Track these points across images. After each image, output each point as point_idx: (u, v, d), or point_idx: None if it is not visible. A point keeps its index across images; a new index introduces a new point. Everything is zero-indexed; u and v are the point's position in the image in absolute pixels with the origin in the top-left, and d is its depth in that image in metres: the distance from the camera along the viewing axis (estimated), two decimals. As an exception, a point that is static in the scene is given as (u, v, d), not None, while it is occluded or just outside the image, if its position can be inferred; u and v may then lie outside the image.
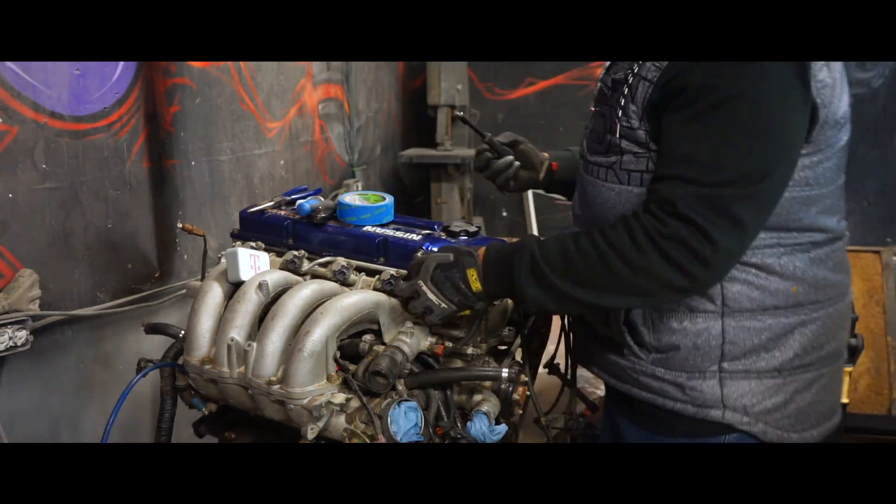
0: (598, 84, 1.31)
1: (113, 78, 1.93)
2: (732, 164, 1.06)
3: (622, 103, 1.19)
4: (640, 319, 1.25)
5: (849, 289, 1.30)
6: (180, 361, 1.42)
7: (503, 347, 1.46)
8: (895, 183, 3.96)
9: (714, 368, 1.22)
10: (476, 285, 1.23)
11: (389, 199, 1.54)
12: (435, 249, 1.37)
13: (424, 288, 1.24)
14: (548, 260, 1.16)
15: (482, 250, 1.25)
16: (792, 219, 1.17)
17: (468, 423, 1.29)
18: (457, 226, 1.48)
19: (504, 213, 4.95)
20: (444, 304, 1.24)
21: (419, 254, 1.34)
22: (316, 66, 3.17)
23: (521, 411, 1.37)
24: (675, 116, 1.11)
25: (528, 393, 1.36)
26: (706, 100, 1.07)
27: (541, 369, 1.59)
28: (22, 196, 1.67)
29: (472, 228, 1.47)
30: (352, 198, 1.54)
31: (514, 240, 1.27)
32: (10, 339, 1.58)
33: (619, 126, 1.20)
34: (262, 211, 1.62)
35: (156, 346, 1.82)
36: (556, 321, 1.57)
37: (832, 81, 1.12)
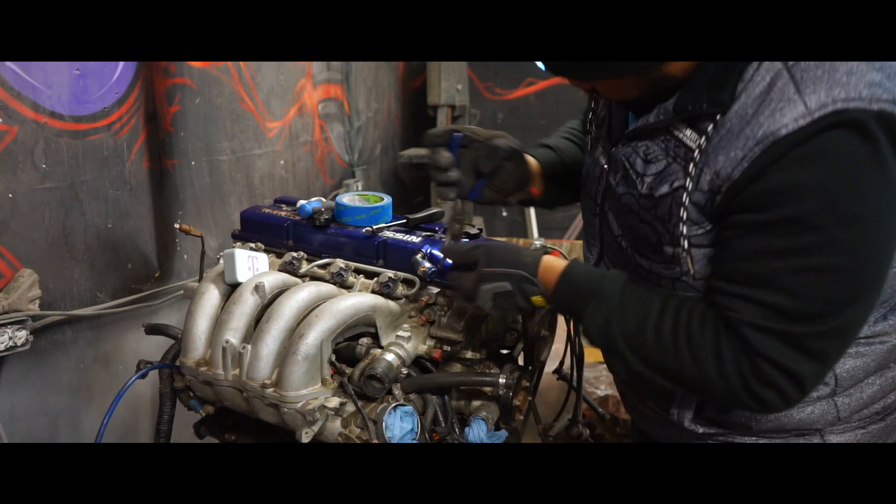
0: (620, 159, 1.09)
1: (113, 78, 1.92)
2: (816, 295, 0.93)
3: (680, 218, 1.01)
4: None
5: None
6: (178, 363, 1.42)
7: (506, 351, 1.45)
8: None
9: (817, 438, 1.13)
10: (540, 303, 1.12)
11: (387, 199, 1.54)
12: (436, 251, 1.36)
13: (487, 306, 1.14)
14: (623, 324, 1.03)
15: (550, 275, 1.10)
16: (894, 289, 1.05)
17: (466, 429, 1.28)
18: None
19: (504, 213, 4.95)
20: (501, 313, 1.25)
21: (463, 281, 1.16)
22: (316, 66, 3.16)
23: (521, 417, 1.36)
24: (745, 219, 0.95)
25: (529, 398, 1.34)
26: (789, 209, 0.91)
27: (548, 371, 1.58)
28: (22, 196, 1.67)
29: (474, 230, 1.46)
30: (350, 198, 1.54)
31: (589, 270, 1.13)
32: (10, 339, 1.58)
33: (683, 239, 1.01)
34: (262, 212, 1.62)
35: (156, 346, 1.81)
36: (560, 323, 1.56)
37: None
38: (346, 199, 1.53)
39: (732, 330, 0.97)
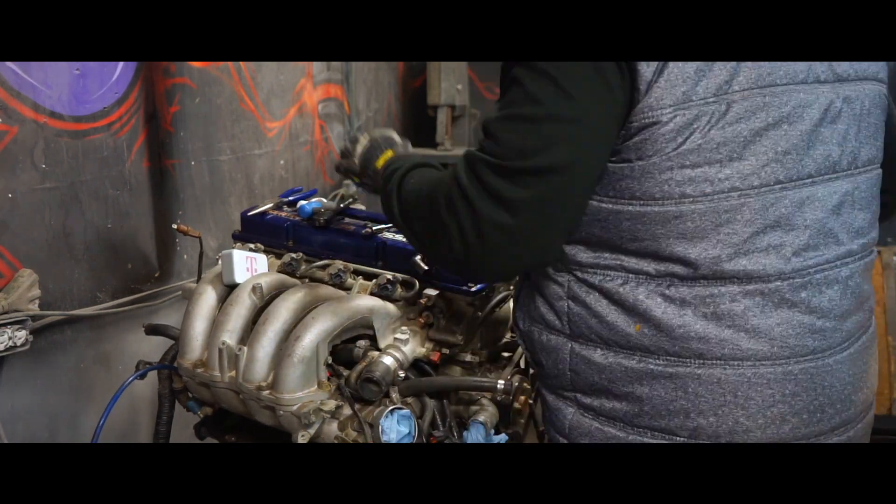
0: None
1: (113, 78, 1.92)
2: (509, 139, 0.98)
3: None
4: (520, 330, 1.17)
5: (760, 357, 0.97)
6: (176, 364, 1.42)
7: (506, 354, 1.45)
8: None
9: (570, 395, 1.08)
10: (380, 163, 1.30)
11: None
12: None
13: (361, 139, 1.38)
14: (403, 185, 1.15)
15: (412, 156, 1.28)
16: (627, 237, 0.99)
17: (465, 433, 1.27)
18: None
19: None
20: (357, 160, 1.37)
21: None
22: (316, 66, 3.16)
23: (522, 420, 1.35)
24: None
25: (530, 402, 1.34)
26: (506, 78, 1.02)
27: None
28: (22, 196, 1.67)
29: None
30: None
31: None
32: (10, 339, 1.58)
33: None
34: (263, 212, 1.61)
35: (155, 346, 1.81)
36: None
37: (658, 75, 0.93)
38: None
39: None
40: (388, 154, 1.31)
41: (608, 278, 1.01)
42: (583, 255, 1.03)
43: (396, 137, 1.38)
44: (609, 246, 1.01)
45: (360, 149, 1.37)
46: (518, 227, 0.96)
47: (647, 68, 0.93)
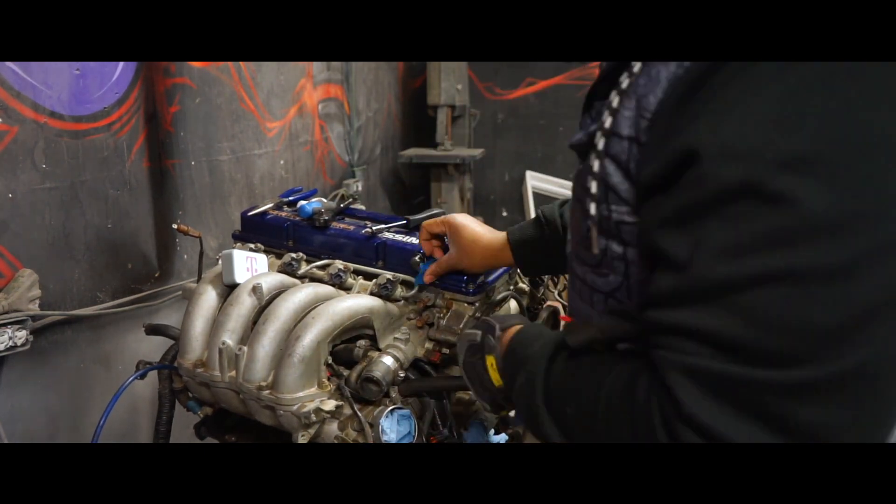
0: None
1: (113, 78, 1.92)
2: (784, 318, 0.53)
3: (594, 183, 0.70)
4: None
5: None
6: (176, 364, 1.42)
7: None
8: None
9: None
10: (496, 378, 0.87)
11: None
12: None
13: (464, 377, 0.99)
14: (548, 390, 0.76)
15: (508, 334, 0.89)
16: None
17: (465, 433, 1.27)
18: None
19: (504, 213, 4.95)
20: (479, 401, 0.97)
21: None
22: (316, 66, 3.16)
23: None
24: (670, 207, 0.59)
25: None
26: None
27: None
28: (22, 196, 1.67)
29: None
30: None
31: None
32: (10, 339, 1.58)
33: (604, 220, 0.70)
34: (263, 212, 1.61)
35: (156, 346, 1.81)
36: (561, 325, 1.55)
37: None
38: None
39: (655, 376, 0.61)
40: (491, 360, 0.88)
41: None
42: None
43: (473, 332, 0.94)
44: None
45: (471, 387, 0.95)
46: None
47: None
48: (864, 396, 0.53)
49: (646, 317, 0.62)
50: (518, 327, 0.88)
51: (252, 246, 1.55)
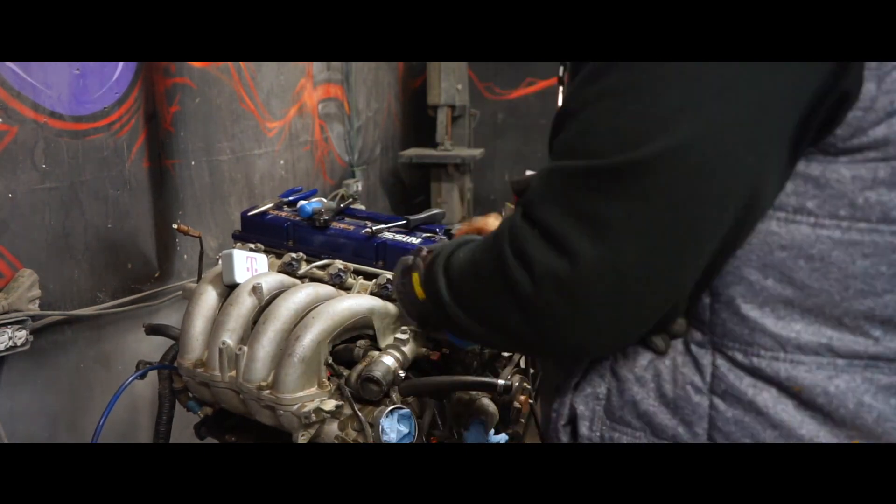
0: None
1: (113, 78, 1.92)
2: (601, 126, 0.65)
3: None
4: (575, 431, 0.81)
5: None
6: (176, 364, 1.42)
7: (507, 354, 1.45)
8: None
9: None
10: (419, 292, 0.89)
11: None
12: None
13: (398, 300, 1.02)
14: (448, 266, 0.80)
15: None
16: (852, 291, 0.64)
17: (465, 433, 1.27)
18: (458, 229, 1.46)
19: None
20: (406, 316, 1.00)
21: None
22: (316, 66, 3.16)
23: (523, 420, 1.35)
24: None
25: (530, 402, 1.34)
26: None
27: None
28: (22, 196, 1.67)
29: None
30: None
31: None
32: (10, 339, 1.58)
33: None
34: (263, 212, 1.62)
35: (156, 346, 1.81)
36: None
37: None
38: None
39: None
40: (415, 277, 0.91)
41: (802, 366, 0.65)
42: (753, 330, 0.66)
43: (405, 258, 0.97)
44: (811, 309, 0.65)
45: (400, 303, 0.99)
46: (611, 262, 0.62)
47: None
48: (646, 191, 0.61)
49: None
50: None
51: (252, 246, 1.55)
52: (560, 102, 0.76)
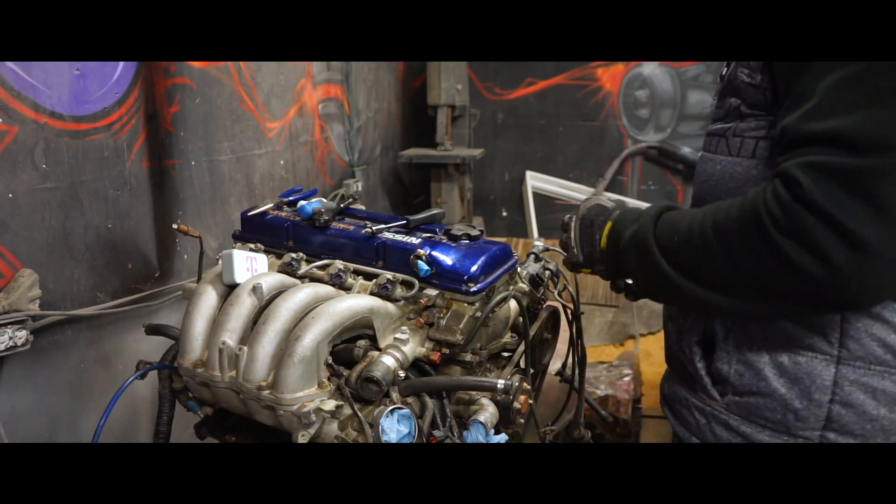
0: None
1: (113, 78, 1.92)
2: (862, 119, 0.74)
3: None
4: (722, 339, 0.95)
5: None
6: (176, 364, 1.42)
7: (507, 354, 1.45)
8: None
9: (814, 436, 0.88)
10: (604, 242, 1.04)
11: None
12: (435, 253, 1.36)
13: (573, 224, 1.13)
14: (659, 235, 0.92)
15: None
16: None
17: (465, 433, 1.27)
18: (458, 229, 1.46)
19: (504, 214, 4.95)
20: (576, 250, 1.12)
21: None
22: (316, 66, 3.16)
23: (522, 420, 1.35)
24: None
25: (530, 402, 1.33)
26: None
27: (550, 371, 1.58)
28: (22, 196, 1.67)
29: (475, 232, 1.45)
30: None
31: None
32: (10, 339, 1.58)
33: (740, 84, 0.94)
34: (263, 212, 1.61)
35: (156, 346, 1.81)
36: (563, 325, 1.55)
37: None
38: None
39: (771, 183, 0.80)
40: (609, 227, 1.05)
41: None
42: None
43: (607, 202, 1.13)
44: None
45: (574, 236, 1.12)
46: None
47: None
48: None
49: (781, 136, 0.82)
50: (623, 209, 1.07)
51: (252, 246, 1.55)
52: (718, 94, 0.94)
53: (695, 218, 0.89)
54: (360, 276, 1.43)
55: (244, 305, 1.31)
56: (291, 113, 2.93)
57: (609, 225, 1.04)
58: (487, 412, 1.29)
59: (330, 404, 1.22)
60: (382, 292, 1.36)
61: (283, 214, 1.59)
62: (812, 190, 0.74)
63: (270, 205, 1.65)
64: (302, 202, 1.54)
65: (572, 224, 1.12)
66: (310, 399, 1.22)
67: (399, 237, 1.44)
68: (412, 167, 4.18)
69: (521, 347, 1.43)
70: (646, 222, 0.95)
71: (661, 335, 1.28)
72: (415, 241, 1.42)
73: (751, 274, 0.81)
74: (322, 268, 1.45)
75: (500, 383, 1.26)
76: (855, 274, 0.74)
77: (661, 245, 0.91)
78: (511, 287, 1.46)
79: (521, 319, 1.40)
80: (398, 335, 1.31)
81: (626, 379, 2.60)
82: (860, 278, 0.74)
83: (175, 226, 1.65)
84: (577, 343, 1.52)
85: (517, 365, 1.43)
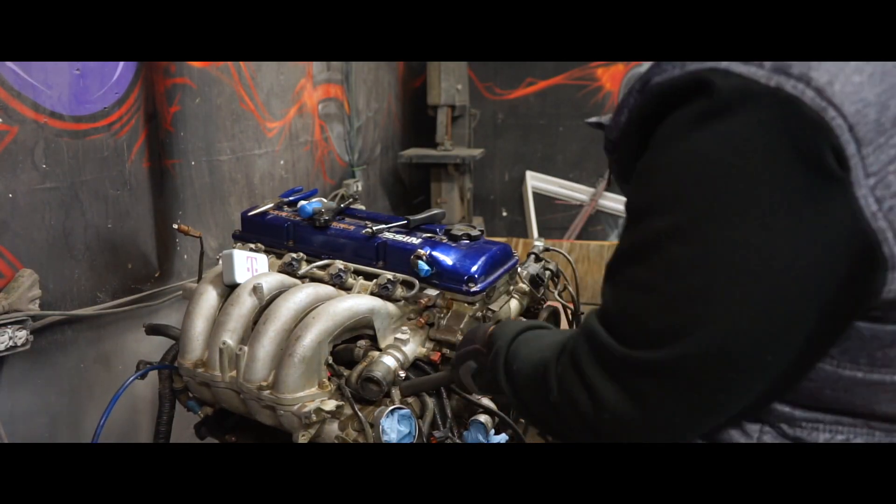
0: None
1: (113, 78, 1.92)
2: (638, 314, 0.71)
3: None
4: None
5: None
6: (176, 364, 1.42)
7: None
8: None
9: None
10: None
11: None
12: (436, 253, 1.36)
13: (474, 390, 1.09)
14: (507, 354, 0.92)
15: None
16: (886, 407, 0.72)
17: (465, 433, 1.27)
18: (458, 229, 1.46)
19: (504, 214, 4.95)
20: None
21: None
22: (316, 66, 3.16)
23: (523, 420, 1.35)
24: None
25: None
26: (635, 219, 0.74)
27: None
28: (22, 196, 1.67)
29: (475, 232, 1.45)
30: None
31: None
32: (10, 339, 1.58)
33: None
34: (263, 212, 1.61)
35: (156, 346, 1.81)
36: (563, 326, 1.55)
37: None
38: None
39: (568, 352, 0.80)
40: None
41: (839, 437, 0.75)
42: (795, 410, 0.75)
43: (467, 335, 1.08)
44: (849, 410, 0.73)
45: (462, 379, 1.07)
46: (649, 425, 0.73)
47: None
48: (685, 380, 0.69)
49: None
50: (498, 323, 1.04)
51: (252, 246, 1.55)
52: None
53: (531, 354, 0.89)
54: (360, 277, 1.43)
55: (244, 305, 1.31)
56: (291, 113, 2.93)
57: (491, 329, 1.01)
58: (488, 412, 1.29)
59: (330, 404, 1.22)
60: (383, 292, 1.36)
61: (284, 214, 1.59)
62: (583, 366, 0.75)
63: (270, 205, 1.65)
64: (302, 202, 1.54)
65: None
66: (310, 399, 1.22)
67: (399, 237, 1.44)
68: (412, 167, 4.18)
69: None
70: (503, 347, 0.93)
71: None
72: (415, 241, 1.42)
73: (546, 414, 0.84)
74: (322, 268, 1.45)
75: None
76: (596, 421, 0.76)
77: (508, 370, 0.92)
78: (511, 287, 1.46)
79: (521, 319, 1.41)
80: (398, 335, 1.31)
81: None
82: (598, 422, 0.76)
83: (175, 226, 1.65)
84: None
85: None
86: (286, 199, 1.66)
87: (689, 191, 0.66)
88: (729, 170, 0.64)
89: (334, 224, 1.51)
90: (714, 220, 0.65)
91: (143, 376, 1.44)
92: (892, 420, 0.72)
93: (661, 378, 0.69)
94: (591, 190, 4.54)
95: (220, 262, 1.40)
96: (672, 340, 0.68)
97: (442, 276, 1.35)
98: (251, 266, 1.40)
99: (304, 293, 1.30)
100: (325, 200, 1.57)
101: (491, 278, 1.37)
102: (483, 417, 1.28)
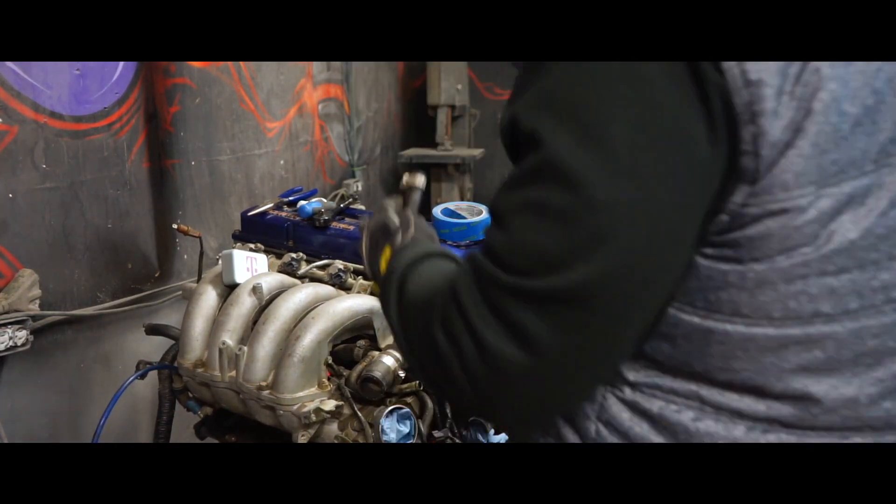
0: None
1: (113, 78, 1.92)
2: (526, 240, 0.66)
3: None
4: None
5: None
6: (176, 364, 1.42)
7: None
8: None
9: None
10: (384, 267, 0.93)
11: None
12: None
13: (363, 238, 1.03)
14: (401, 281, 0.83)
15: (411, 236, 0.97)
16: (716, 365, 0.69)
17: (465, 433, 1.27)
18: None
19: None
20: (366, 265, 1.03)
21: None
22: (316, 66, 3.16)
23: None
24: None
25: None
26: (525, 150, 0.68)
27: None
28: (22, 196, 1.67)
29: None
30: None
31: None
32: (10, 339, 1.58)
33: None
34: (263, 212, 1.62)
35: (156, 346, 1.81)
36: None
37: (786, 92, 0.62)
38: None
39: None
40: (387, 253, 0.94)
41: (672, 407, 0.72)
42: (637, 373, 0.73)
43: (392, 220, 0.99)
44: (684, 371, 0.71)
45: (364, 250, 1.02)
46: (539, 369, 0.67)
47: (774, 122, 0.61)
48: (565, 315, 0.65)
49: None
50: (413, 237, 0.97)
51: (252, 246, 1.55)
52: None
53: (424, 287, 0.81)
54: (360, 277, 1.44)
55: (244, 305, 1.31)
56: (291, 113, 2.93)
57: (387, 251, 0.94)
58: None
59: (330, 404, 1.22)
60: (382, 292, 1.36)
61: (283, 214, 1.59)
62: (462, 297, 0.69)
63: (270, 205, 1.65)
64: (302, 202, 1.54)
65: (364, 231, 1.03)
66: (310, 399, 1.22)
67: (399, 237, 1.44)
68: (412, 167, 4.18)
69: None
70: (398, 274, 0.85)
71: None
72: (415, 241, 1.42)
73: (426, 362, 0.77)
74: (322, 268, 1.45)
75: None
76: (486, 383, 0.69)
77: (400, 301, 0.83)
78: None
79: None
80: (398, 335, 1.31)
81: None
82: (489, 388, 0.70)
83: (175, 226, 1.65)
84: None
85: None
86: (286, 199, 1.66)
87: (579, 99, 0.66)
88: (615, 73, 0.68)
89: (334, 224, 1.51)
90: (610, 122, 0.64)
91: (142, 376, 1.44)
92: (724, 387, 0.69)
93: (555, 309, 0.64)
94: (591, 190, 4.54)
95: (220, 262, 1.40)
96: (573, 262, 0.63)
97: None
98: (251, 266, 1.40)
99: (304, 293, 1.30)
100: (324, 200, 1.57)
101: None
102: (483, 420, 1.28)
